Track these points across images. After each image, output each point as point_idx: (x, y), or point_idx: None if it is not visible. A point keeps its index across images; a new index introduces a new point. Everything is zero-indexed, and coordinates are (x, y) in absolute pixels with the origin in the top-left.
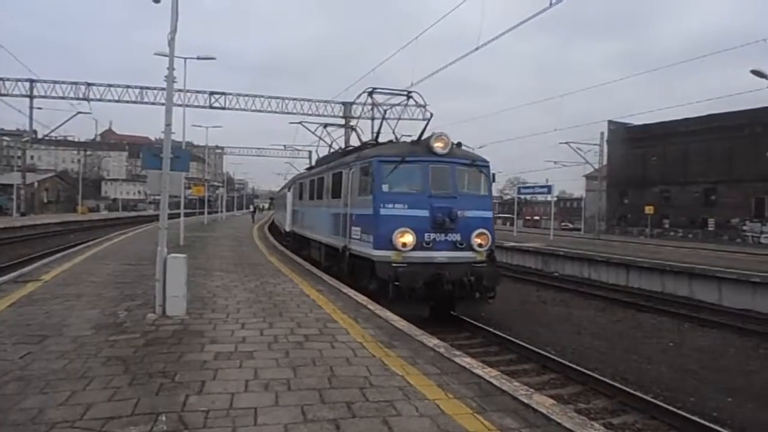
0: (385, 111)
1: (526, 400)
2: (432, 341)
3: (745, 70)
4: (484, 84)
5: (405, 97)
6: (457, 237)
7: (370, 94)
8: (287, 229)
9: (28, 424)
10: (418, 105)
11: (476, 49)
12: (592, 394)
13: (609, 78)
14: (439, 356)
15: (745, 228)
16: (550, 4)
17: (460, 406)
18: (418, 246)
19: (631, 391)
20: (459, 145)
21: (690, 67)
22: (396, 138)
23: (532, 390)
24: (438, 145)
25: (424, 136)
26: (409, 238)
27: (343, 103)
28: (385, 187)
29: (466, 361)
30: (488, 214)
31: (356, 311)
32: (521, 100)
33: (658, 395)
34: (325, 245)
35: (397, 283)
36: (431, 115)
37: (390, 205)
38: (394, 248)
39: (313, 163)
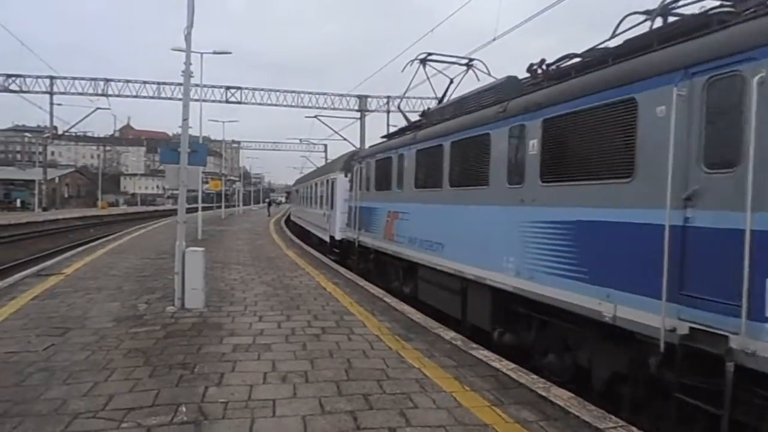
0: None
1: (544, 393)
2: (449, 334)
3: None
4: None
5: None
6: None
7: None
8: (337, 235)
9: (53, 414)
10: None
11: (494, 39)
12: None
13: None
14: (456, 349)
15: None
16: None
17: (477, 398)
18: None
19: None
20: None
21: None
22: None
23: (549, 383)
24: None
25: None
26: None
27: (359, 97)
28: None
29: (483, 353)
30: None
31: (372, 304)
32: None
33: None
34: (499, 291)
35: None
36: None
37: None
38: None
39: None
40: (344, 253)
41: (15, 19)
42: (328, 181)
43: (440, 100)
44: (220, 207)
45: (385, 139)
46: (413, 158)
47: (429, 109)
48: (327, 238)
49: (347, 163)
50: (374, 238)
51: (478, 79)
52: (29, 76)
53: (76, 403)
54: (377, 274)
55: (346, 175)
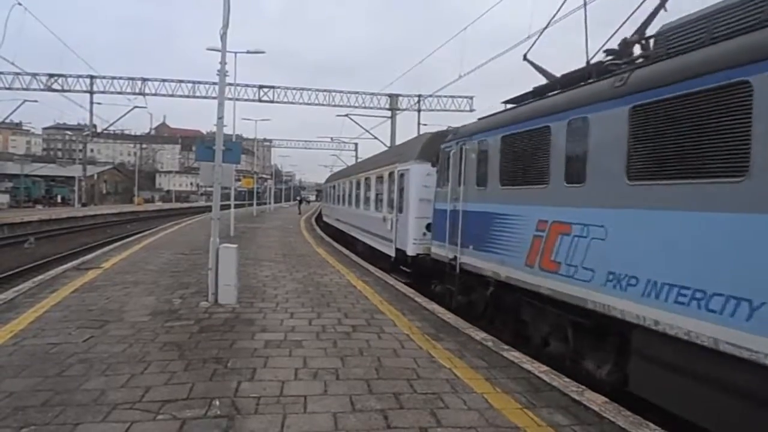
0: None
1: (577, 397)
2: (480, 335)
3: None
4: (536, 79)
5: None
6: None
7: None
8: (409, 249)
9: (92, 405)
10: None
11: (527, 38)
12: None
13: None
14: (487, 350)
15: None
16: None
17: (508, 400)
18: None
19: None
20: None
21: None
22: None
23: (583, 387)
24: None
25: None
26: None
27: (390, 95)
28: None
29: (515, 355)
30: None
31: (402, 303)
32: None
33: None
34: None
35: None
36: None
37: None
38: None
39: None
40: (420, 274)
41: (59, 22)
42: (392, 173)
43: (643, 27)
44: (252, 204)
45: (509, 106)
46: (621, 125)
47: (645, 33)
48: (390, 252)
49: (429, 147)
50: (500, 262)
51: (665, 9)
52: (71, 76)
53: (114, 394)
54: (497, 317)
55: (433, 165)
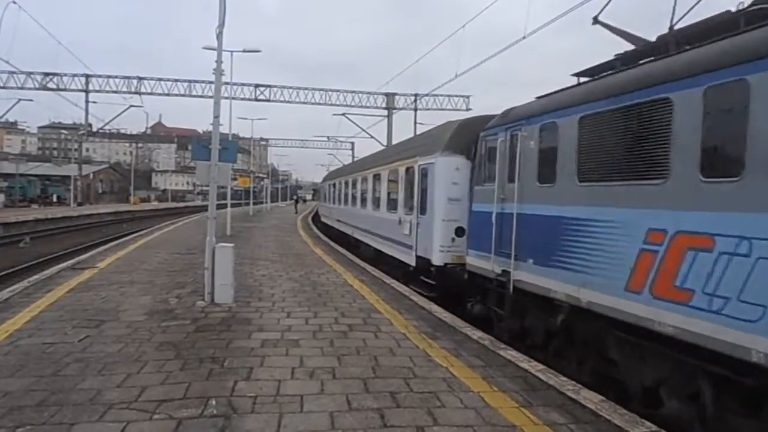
0: None
1: (573, 396)
2: (476, 334)
3: None
4: (528, 79)
5: None
6: None
7: None
8: (435, 258)
9: (88, 404)
10: None
11: (524, 37)
12: None
13: None
14: (484, 349)
15: None
16: None
17: (505, 399)
18: None
19: None
20: None
21: None
22: None
23: (579, 385)
24: None
25: None
26: None
27: (386, 95)
28: None
29: (512, 354)
30: None
31: (399, 302)
32: None
33: None
34: None
35: None
36: None
37: None
38: None
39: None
40: (446, 288)
41: (54, 21)
42: (411, 168)
43: None
44: (248, 204)
45: (582, 80)
46: None
47: None
48: (409, 260)
49: (458, 137)
50: (579, 282)
51: None
52: (66, 75)
53: (110, 394)
54: (568, 351)
55: (469, 157)
